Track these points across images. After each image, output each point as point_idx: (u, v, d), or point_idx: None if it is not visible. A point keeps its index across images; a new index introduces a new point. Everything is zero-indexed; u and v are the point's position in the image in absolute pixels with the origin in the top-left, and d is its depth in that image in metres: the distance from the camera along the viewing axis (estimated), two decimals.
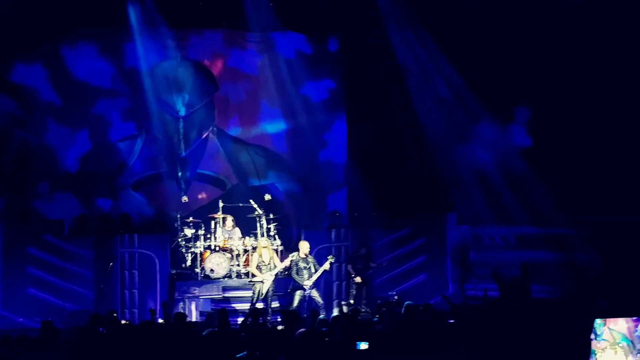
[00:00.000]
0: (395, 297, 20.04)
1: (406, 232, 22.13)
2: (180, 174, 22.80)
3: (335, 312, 19.22)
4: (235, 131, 23.49)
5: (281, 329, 16.05)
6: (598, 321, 11.59)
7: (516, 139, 21.80)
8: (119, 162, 22.71)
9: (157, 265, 20.31)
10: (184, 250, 20.98)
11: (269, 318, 18.59)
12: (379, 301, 20.00)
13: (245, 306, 19.25)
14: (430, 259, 21.90)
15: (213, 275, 20.31)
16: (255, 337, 13.88)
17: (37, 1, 20.86)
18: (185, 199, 22.44)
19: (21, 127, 21.83)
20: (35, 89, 22.01)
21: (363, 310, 19.65)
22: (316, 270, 18.96)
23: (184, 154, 22.77)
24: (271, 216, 21.13)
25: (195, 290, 20.27)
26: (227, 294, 20.24)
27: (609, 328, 11.67)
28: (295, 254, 19.11)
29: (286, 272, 19.37)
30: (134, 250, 20.34)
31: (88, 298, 19.90)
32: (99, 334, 13.72)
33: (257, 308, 18.31)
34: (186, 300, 20.11)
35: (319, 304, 18.93)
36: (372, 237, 21.64)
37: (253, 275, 19.13)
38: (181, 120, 22.68)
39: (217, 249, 20.61)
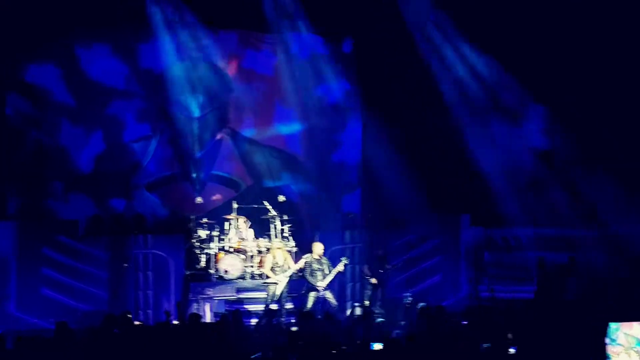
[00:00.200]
0: (410, 299, 20.00)
1: (420, 233, 22.11)
2: (194, 175, 22.79)
3: (358, 312, 19.27)
4: (249, 132, 23.45)
5: (295, 330, 16.08)
6: (613, 325, 11.57)
7: (531, 139, 21.75)
8: (133, 163, 22.69)
9: (172, 267, 20.33)
10: (198, 251, 20.97)
11: (283, 319, 18.59)
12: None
13: (259, 307, 19.24)
14: (444, 260, 21.89)
15: (227, 277, 20.30)
16: (269, 337, 13.92)
17: (52, 0, 20.89)
18: (199, 200, 22.40)
19: (35, 128, 21.82)
20: (49, 89, 21.96)
21: (377, 312, 19.62)
22: (330, 272, 18.95)
23: (198, 154, 22.78)
24: (285, 217, 21.11)
25: (209, 291, 20.25)
26: (241, 295, 20.23)
27: (624, 332, 11.66)
28: (309, 255, 19.10)
29: (300, 274, 19.35)
30: (148, 251, 20.35)
31: (102, 298, 19.92)
32: (113, 335, 13.74)
33: (271, 309, 18.32)
34: (200, 301, 20.09)
35: (333, 306, 18.92)
36: (386, 238, 21.61)
37: (267, 277, 19.13)
38: (195, 121, 22.70)
39: (231, 250, 20.60)
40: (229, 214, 21.11)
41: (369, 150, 23.41)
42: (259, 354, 11.87)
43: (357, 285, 21.18)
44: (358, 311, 19.76)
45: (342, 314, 19.69)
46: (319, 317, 17.20)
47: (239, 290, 20.29)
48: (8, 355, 12.27)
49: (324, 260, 19.13)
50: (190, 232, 21.24)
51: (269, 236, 20.80)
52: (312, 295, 18.86)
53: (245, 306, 19.71)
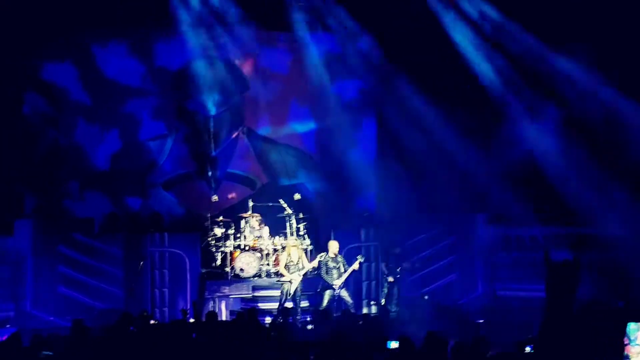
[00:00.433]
0: (426, 297, 19.99)
1: (435, 231, 22.12)
2: (210, 173, 22.82)
3: (374, 310, 19.27)
4: (265, 130, 23.48)
5: (311, 328, 16.09)
6: (632, 326, 11.52)
7: (546, 137, 21.68)
8: (149, 161, 22.72)
9: (188, 265, 20.36)
10: (214, 249, 20.97)
11: (298, 317, 18.61)
12: None
13: (275, 305, 19.24)
14: (459, 259, 21.88)
15: (243, 275, 20.30)
16: (285, 335, 13.90)
17: None
18: (215, 198, 22.38)
19: (52, 126, 21.86)
20: (66, 87, 22.01)
21: (393, 310, 19.62)
22: (345, 270, 18.96)
23: (214, 153, 22.81)
24: (301, 215, 21.09)
25: (225, 289, 20.25)
26: (256, 294, 20.24)
27: None
28: (324, 253, 19.12)
29: (315, 272, 19.36)
30: (164, 249, 20.38)
31: (118, 296, 19.93)
32: (129, 333, 13.75)
33: (286, 307, 18.34)
34: (216, 299, 20.10)
35: (349, 304, 18.92)
36: (401, 236, 21.59)
37: (281, 275, 19.14)
38: (211, 119, 22.73)
39: (247, 248, 20.61)
40: (245, 212, 21.13)
41: (385, 149, 23.39)
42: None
43: (373, 283, 21.18)
44: (374, 309, 19.76)
45: (358, 312, 19.68)
46: (336, 315, 17.21)
47: (255, 289, 20.30)
48: (24, 353, 12.28)
49: (340, 258, 19.14)
50: (206, 231, 21.25)
51: (284, 234, 20.80)
52: (327, 294, 18.88)
53: (261, 304, 19.73)
